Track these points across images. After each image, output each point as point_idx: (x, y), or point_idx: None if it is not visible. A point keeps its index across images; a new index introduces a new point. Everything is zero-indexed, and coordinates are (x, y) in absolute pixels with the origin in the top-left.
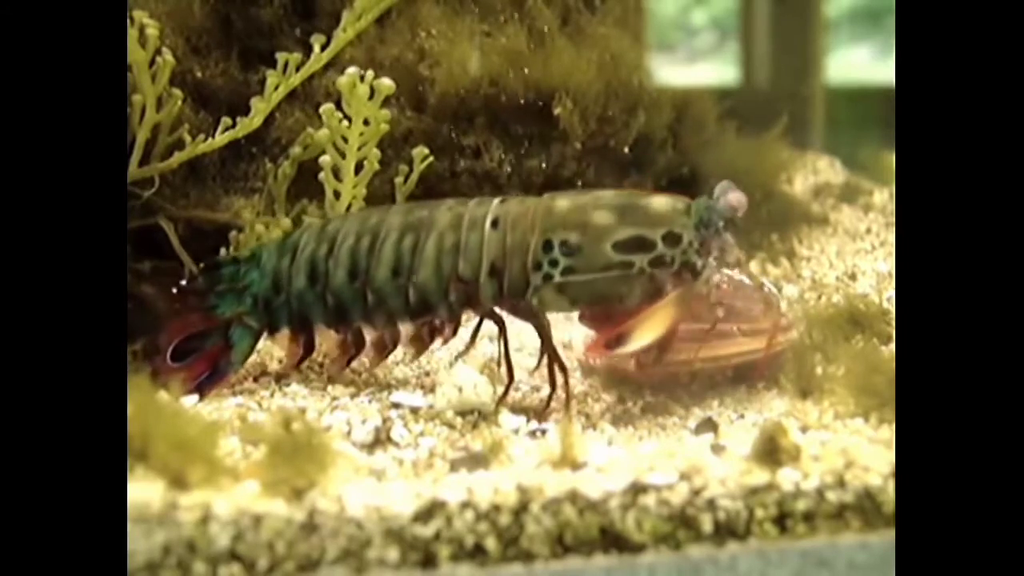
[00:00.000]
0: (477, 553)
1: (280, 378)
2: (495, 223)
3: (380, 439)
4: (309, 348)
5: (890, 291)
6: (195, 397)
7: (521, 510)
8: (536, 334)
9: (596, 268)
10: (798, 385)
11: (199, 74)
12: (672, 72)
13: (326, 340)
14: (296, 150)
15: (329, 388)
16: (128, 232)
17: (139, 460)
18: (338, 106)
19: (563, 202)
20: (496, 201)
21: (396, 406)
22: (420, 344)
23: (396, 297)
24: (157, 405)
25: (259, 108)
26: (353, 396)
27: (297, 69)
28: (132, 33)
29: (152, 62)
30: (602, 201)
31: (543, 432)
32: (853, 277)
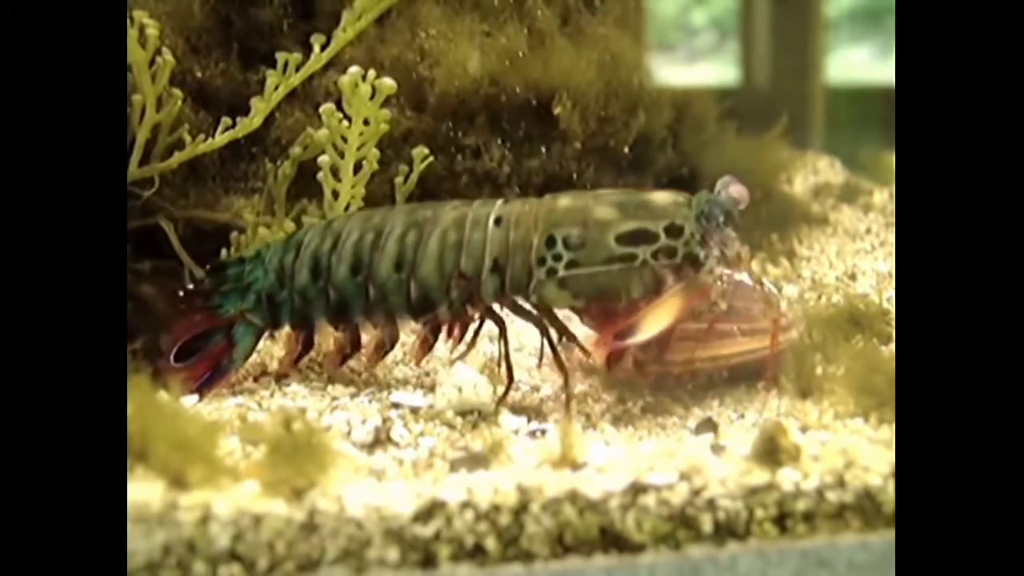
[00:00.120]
0: (477, 553)
1: (280, 378)
2: (498, 221)
3: (380, 439)
4: (308, 345)
5: (890, 291)
6: (195, 397)
7: (521, 510)
8: (539, 332)
9: (599, 261)
10: (798, 385)
11: (199, 74)
12: (672, 72)
13: (324, 338)
14: (296, 150)
15: (329, 388)
16: (128, 232)
17: (139, 460)
18: (338, 106)
19: (565, 200)
20: (500, 202)
21: (396, 406)
22: (425, 346)
23: (398, 292)
24: (157, 405)
25: (259, 108)
26: (353, 396)
27: (297, 69)
28: (132, 33)
29: (152, 62)
30: (603, 198)
31: (543, 432)
32: (853, 277)
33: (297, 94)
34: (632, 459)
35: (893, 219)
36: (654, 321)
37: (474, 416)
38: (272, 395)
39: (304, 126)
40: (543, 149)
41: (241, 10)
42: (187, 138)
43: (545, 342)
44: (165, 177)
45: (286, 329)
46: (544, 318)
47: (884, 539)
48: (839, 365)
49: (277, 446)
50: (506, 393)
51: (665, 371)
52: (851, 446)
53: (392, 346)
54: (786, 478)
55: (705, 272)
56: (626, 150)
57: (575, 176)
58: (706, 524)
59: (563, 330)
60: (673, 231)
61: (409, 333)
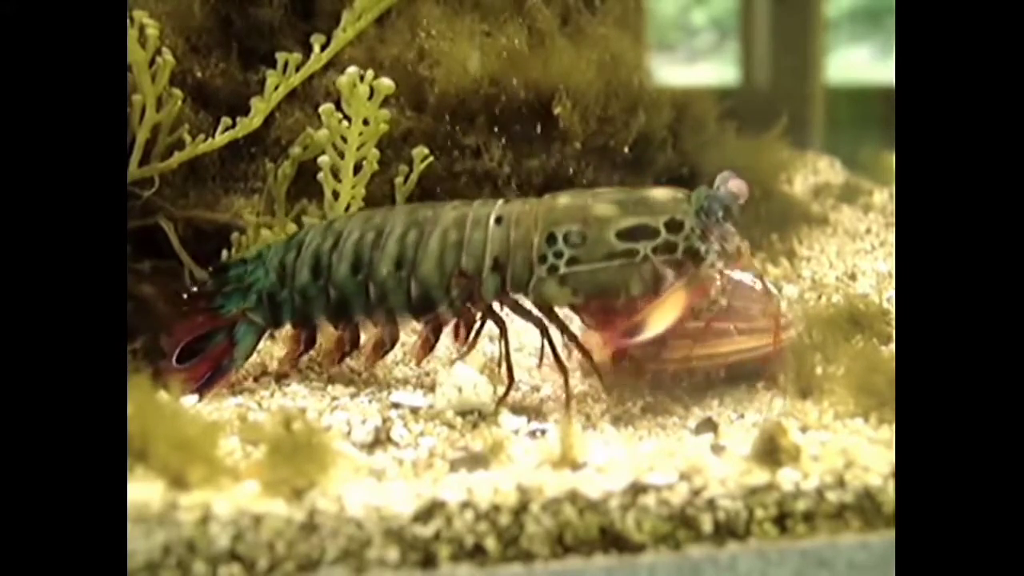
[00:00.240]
0: (477, 553)
1: (280, 378)
2: (499, 220)
3: (380, 439)
4: (309, 344)
5: (890, 291)
6: (195, 397)
7: (521, 510)
8: (539, 333)
9: (600, 257)
10: (798, 385)
11: (199, 74)
12: (672, 72)
13: (324, 337)
14: (296, 150)
15: (329, 388)
16: (128, 232)
17: (139, 460)
18: (338, 106)
19: (564, 199)
20: (500, 201)
21: (396, 406)
22: (427, 346)
23: (398, 291)
24: (157, 405)
25: (259, 108)
26: (353, 396)
27: (297, 69)
28: (132, 33)
29: (152, 62)
30: (603, 195)
31: (543, 432)
32: (853, 277)
33: (297, 94)
34: (632, 459)
35: (893, 219)
36: (660, 318)
37: (474, 416)
38: (272, 395)
39: (304, 126)
40: (543, 149)
41: (241, 10)
42: (187, 138)
43: (545, 342)
44: (165, 177)
45: (287, 329)
46: (545, 317)
47: (884, 539)
48: (839, 365)
49: (277, 446)
50: (506, 393)
51: (662, 369)
52: (851, 446)
53: (392, 346)
54: (786, 478)
55: (706, 266)
56: (626, 150)
57: (575, 176)
58: (706, 524)
59: (564, 329)
60: (673, 226)
61: (410, 333)
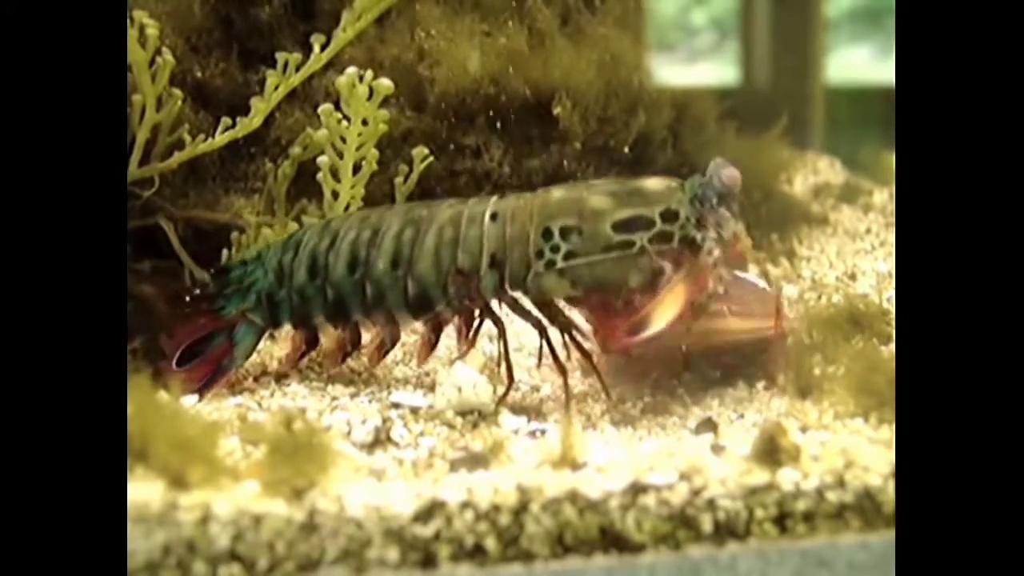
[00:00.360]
0: (477, 553)
1: (280, 378)
2: (494, 216)
3: (380, 439)
4: (310, 344)
5: (890, 291)
6: (195, 398)
7: (521, 510)
8: (536, 331)
9: (597, 249)
10: (798, 385)
11: (199, 74)
12: (672, 72)
13: (325, 337)
14: (296, 150)
15: (329, 388)
16: (128, 232)
17: (139, 460)
18: (337, 106)
19: (559, 192)
20: (494, 198)
21: (396, 406)
22: (428, 346)
23: (395, 289)
24: (157, 405)
25: (259, 108)
26: (353, 396)
27: (297, 69)
28: (132, 33)
29: (152, 62)
30: (597, 187)
31: (543, 432)
32: (853, 277)
33: (297, 94)
34: (632, 459)
35: (893, 219)
36: (665, 311)
37: (474, 416)
38: (272, 395)
39: (304, 126)
40: (543, 149)
41: (241, 10)
42: (187, 138)
43: (544, 342)
44: (165, 177)
45: (288, 329)
46: (545, 315)
47: (884, 539)
48: (839, 365)
49: (277, 446)
50: (506, 393)
51: (655, 352)
52: (851, 446)
53: (393, 345)
54: (786, 478)
55: (704, 254)
56: (626, 150)
57: (575, 176)
58: (706, 524)
59: (564, 329)
60: (668, 216)
61: (410, 333)
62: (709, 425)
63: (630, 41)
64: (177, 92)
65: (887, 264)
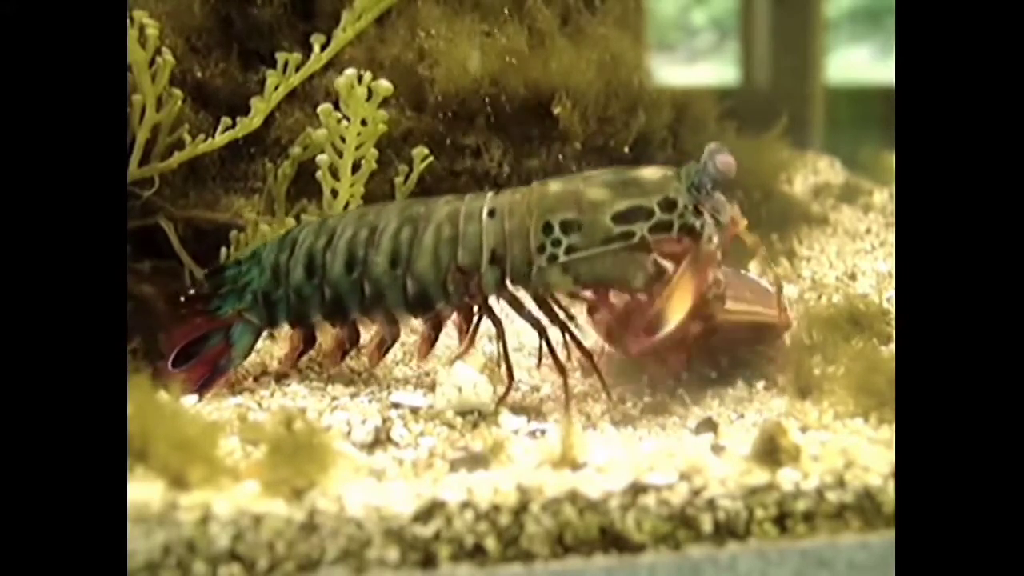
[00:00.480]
0: (477, 553)
1: (280, 378)
2: (492, 213)
3: (380, 439)
4: (308, 343)
5: (890, 291)
6: (195, 397)
7: (521, 510)
8: (537, 334)
9: (598, 242)
10: (798, 385)
11: (199, 74)
12: (672, 72)
13: (323, 336)
14: (296, 150)
15: (329, 388)
16: (128, 232)
17: (139, 460)
18: (336, 106)
19: (555, 186)
20: (490, 194)
21: (396, 406)
22: (428, 343)
23: (393, 288)
24: (157, 405)
25: (259, 108)
26: (353, 396)
27: (297, 69)
28: (132, 33)
29: (152, 62)
30: (593, 179)
31: (543, 432)
32: (853, 277)
33: (297, 94)
34: (632, 459)
35: (893, 219)
36: (677, 306)
37: (474, 416)
38: (272, 395)
39: (304, 126)
40: (543, 149)
41: (241, 10)
42: (187, 138)
43: (543, 343)
44: (165, 177)
45: (286, 328)
46: (545, 316)
47: (884, 539)
48: (839, 365)
49: (277, 446)
50: (507, 393)
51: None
52: (851, 446)
53: (392, 343)
54: (786, 478)
55: (705, 241)
56: (626, 150)
57: None
58: (706, 524)
59: (565, 329)
60: (667, 205)
61: (409, 333)
62: (709, 425)
63: (630, 41)
64: (177, 92)
65: (887, 264)
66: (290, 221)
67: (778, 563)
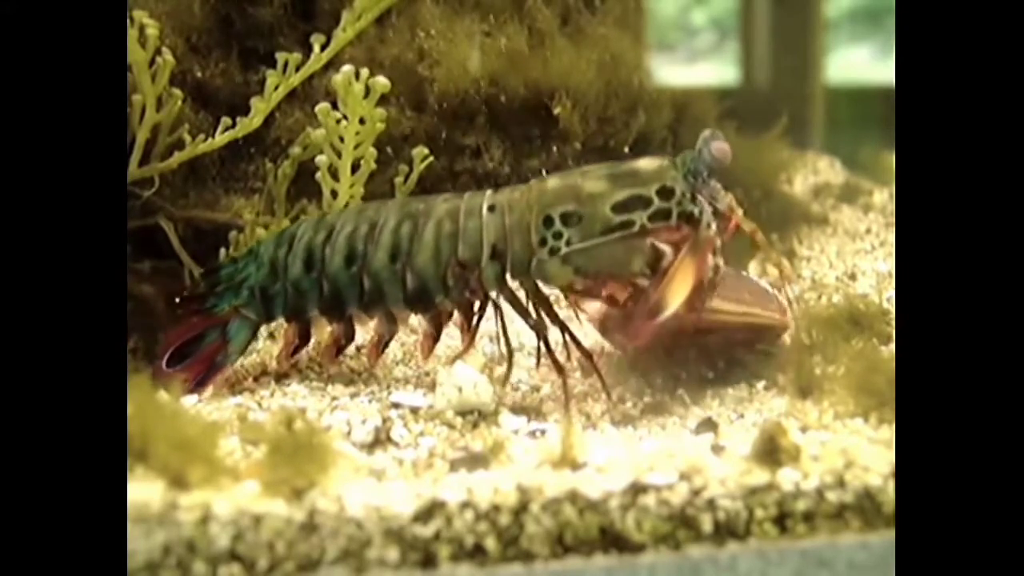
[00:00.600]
0: (477, 553)
1: (280, 378)
2: (492, 208)
3: (380, 439)
4: (304, 339)
5: (890, 291)
6: (195, 397)
7: (521, 510)
8: (536, 335)
9: (598, 232)
10: (798, 385)
11: (199, 74)
12: (672, 72)
13: (318, 331)
14: (296, 150)
15: (329, 388)
16: (128, 232)
17: (139, 460)
18: (335, 106)
19: (554, 181)
20: (489, 191)
21: (396, 406)
22: (430, 340)
23: (393, 283)
24: (157, 405)
25: (259, 108)
26: (353, 396)
27: (297, 69)
28: (132, 33)
29: (152, 62)
30: (592, 173)
31: (543, 432)
32: (853, 277)
33: (297, 94)
34: (632, 459)
35: (893, 219)
36: (678, 289)
37: (474, 416)
38: (272, 395)
39: (304, 126)
40: (543, 149)
41: (241, 10)
42: (187, 138)
43: (541, 343)
44: (165, 177)
45: (282, 324)
46: (547, 315)
47: (884, 539)
48: (839, 365)
49: (277, 446)
50: (508, 372)
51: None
52: (851, 446)
53: (390, 339)
54: (786, 478)
55: (704, 227)
56: (626, 150)
57: None
58: (706, 524)
59: (564, 328)
60: (664, 193)
61: (410, 333)
62: (709, 425)
63: (630, 41)
64: (177, 92)
65: (887, 264)
66: (289, 223)
67: (778, 563)
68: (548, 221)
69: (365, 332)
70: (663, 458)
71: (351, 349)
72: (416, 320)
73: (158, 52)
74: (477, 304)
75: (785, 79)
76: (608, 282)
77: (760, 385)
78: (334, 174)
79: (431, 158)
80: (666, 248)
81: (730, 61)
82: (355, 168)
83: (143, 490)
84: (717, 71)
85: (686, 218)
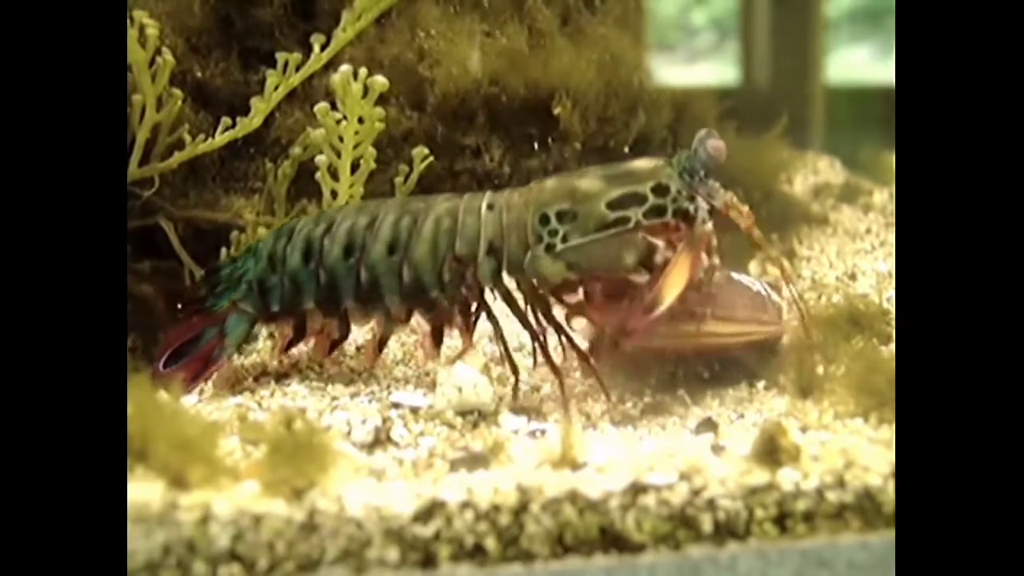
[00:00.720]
0: (477, 553)
1: (280, 378)
2: (490, 207)
3: (380, 439)
4: (300, 332)
5: (890, 291)
6: (195, 397)
7: (521, 510)
8: (530, 337)
9: (593, 229)
10: (798, 385)
11: (199, 74)
12: (672, 72)
13: (312, 325)
14: (296, 150)
15: (329, 388)
16: (128, 232)
17: (139, 460)
18: (334, 106)
19: (551, 182)
20: (489, 192)
21: (396, 406)
22: (433, 339)
23: (389, 275)
24: (157, 405)
25: (259, 108)
26: (353, 396)
27: (297, 69)
28: (132, 33)
29: (152, 62)
30: (588, 173)
31: (543, 432)
32: (853, 277)
33: (297, 94)
34: (632, 459)
35: (893, 219)
36: (673, 284)
37: (474, 416)
38: (272, 395)
39: (304, 126)
40: (543, 149)
41: (241, 10)
42: (187, 138)
43: (537, 345)
44: (165, 177)
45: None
46: (542, 311)
47: (884, 539)
48: (839, 365)
49: (277, 446)
50: (516, 387)
51: (640, 347)
52: (851, 446)
53: (387, 338)
54: (786, 478)
55: (699, 224)
56: (626, 150)
57: None
58: (706, 524)
59: (560, 330)
60: (660, 190)
61: (410, 333)
62: (709, 425)
63: (630, 41)
64: (177, 92)
65: (887, 264)
66: None
67: (778, 563)
68: (544, 219)
69: (358, 328)
70: (663, 458)
71: (351, 349)
72: (416, 320)
73: (158, 52)
74: (475, 305)
75: (785, 79)
76: (605, 278)
77: (760, 385)
78: (334, 174)
79: (431, 158)
80: (659, 242)
81: (730, 61)
82: (355, 168)
83: (143, 490)
84: (717, 71)
85: (682, 215)
